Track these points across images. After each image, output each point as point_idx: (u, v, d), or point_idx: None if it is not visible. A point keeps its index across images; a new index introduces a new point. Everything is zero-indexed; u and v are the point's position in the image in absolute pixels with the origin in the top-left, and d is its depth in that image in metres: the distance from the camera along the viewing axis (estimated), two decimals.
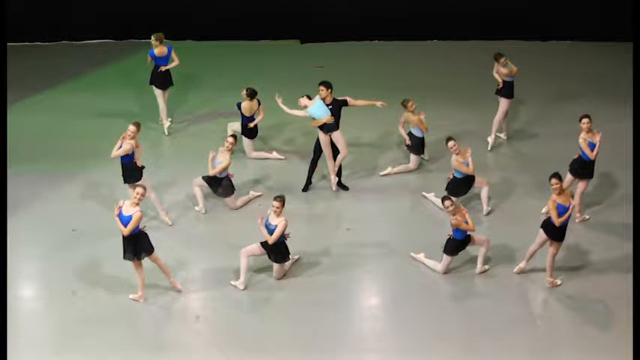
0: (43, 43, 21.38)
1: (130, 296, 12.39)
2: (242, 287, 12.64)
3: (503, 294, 12.55)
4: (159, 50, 16.16)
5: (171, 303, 12.41)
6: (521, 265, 12.86)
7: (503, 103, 15.94)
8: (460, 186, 13.92)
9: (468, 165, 13.75)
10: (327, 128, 14.38)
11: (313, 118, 14.32)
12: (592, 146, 13.53)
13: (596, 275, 12.90)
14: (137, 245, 12.07)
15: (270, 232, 12.33)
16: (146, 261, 12.23)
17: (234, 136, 14.19)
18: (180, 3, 21.30)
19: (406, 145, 15.43)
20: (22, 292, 12.73)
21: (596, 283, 12.72)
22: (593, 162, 13.66)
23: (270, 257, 12.63)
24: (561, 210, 12.09)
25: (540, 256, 12.67)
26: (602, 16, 20.75)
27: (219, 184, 14.18)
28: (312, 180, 15.00)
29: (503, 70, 15.69)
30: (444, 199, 12.58)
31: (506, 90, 15.86)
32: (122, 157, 13.57)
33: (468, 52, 20.42)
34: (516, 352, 11.49)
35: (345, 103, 14.46)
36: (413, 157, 15.49)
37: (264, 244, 12.50)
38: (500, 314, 12.15)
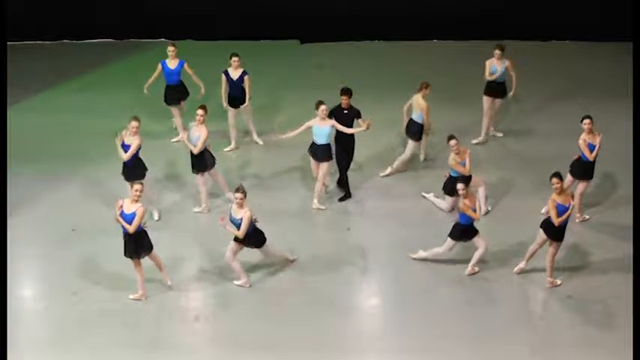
0: (44, 43, 21.38)
1: (131, 296, 12.40)
2: (248, 285, 12.64)
3: (504, 294, 12.55)
4: (171, 62, 15.97)
5: (171, 303, 12.41)
6: (521, 265, 12.86)
7: (484, 100, 16.07)
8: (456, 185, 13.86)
9: (464, 165, 13.74)
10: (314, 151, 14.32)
11: (310, 127, 14.20)
12: (591, 148, 13.52)
13: (596, 275, 12.90)
14: (138, 243, 12.08)
15: (237, 226, 12.26)
16: (145, 259, 12.24)
17: (202, 107, 14.09)
18: (180, 3, 21.30)
19: (406, 132, 15.34)
20: (22, 292, 12.73)
21: (596, 283, 12.72)
22: (592, 163, 13.65)
23: (248, 246, 12.55)
24: (561, 210, 12.09)
25: (540, 256, 12.66)
26: (602, 16, 20.74)
27: (205, 160, 14.11)
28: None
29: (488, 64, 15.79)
30: (458, 182, 12.59)
31: (487, 88, 15.97)
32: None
33: (468, 52, 20.41)
34: (516, 352, 11.49)
35: (359, 115, 14.34)
36: (410, 144, 15.37)
37: (236, 239, 12.42)
38: (500, 314, 12.15)
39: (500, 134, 16.60)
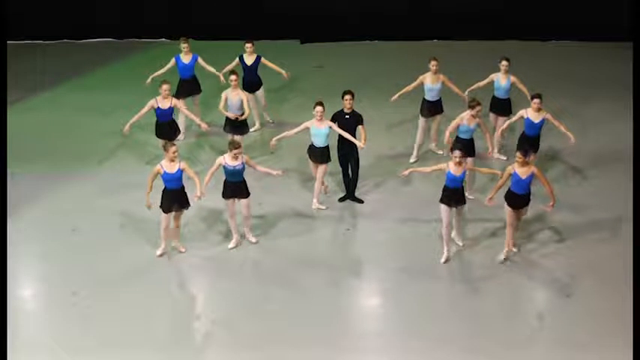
0: (44, 43, 21.41)
1: (182, 249, 13.15)
2: (237, 245, 13.27)
3: (503, 293, 12.54)
4: (185, 57, 16.10)
5: (172, 302, 12.41)
6: (507, 249, 12.87)
7: (490, 117, 15.83)
8: (467, 146, 13.74)
9: (469, 132, 13.91)
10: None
11: (307, 128, 14.15)
12: (528, 122, 14.21)
13: (595, 273, 12.89)
14: (183, 198, 12.79)
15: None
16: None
17: (234, 72, 15.02)
18: (179, 2, 21.34)
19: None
20: (22, 292, 12.73)
21: (595, 281, 12.72)
22: (534, 137, 14.26)
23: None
24: (515, 179, 12.46)
25: (538, 254, 12.68)
26: (602, 16, 20.78)
27: (238, 124, 15.02)
28: (355, 194, 14.75)
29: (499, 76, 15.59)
30: (454, 149, 12.74)
31: (491, 103, 15.79)
32: (161, 116, 14.62)
33: (468, 52, 20.44)
34: (516, 351, 11.49)
35: (361, 121, 14.21)
36: (419, 121, 15.62)
37: (224, 194, 12.96)
38: (499, 313, 12.15)
39: (505, 157, 15.86)
